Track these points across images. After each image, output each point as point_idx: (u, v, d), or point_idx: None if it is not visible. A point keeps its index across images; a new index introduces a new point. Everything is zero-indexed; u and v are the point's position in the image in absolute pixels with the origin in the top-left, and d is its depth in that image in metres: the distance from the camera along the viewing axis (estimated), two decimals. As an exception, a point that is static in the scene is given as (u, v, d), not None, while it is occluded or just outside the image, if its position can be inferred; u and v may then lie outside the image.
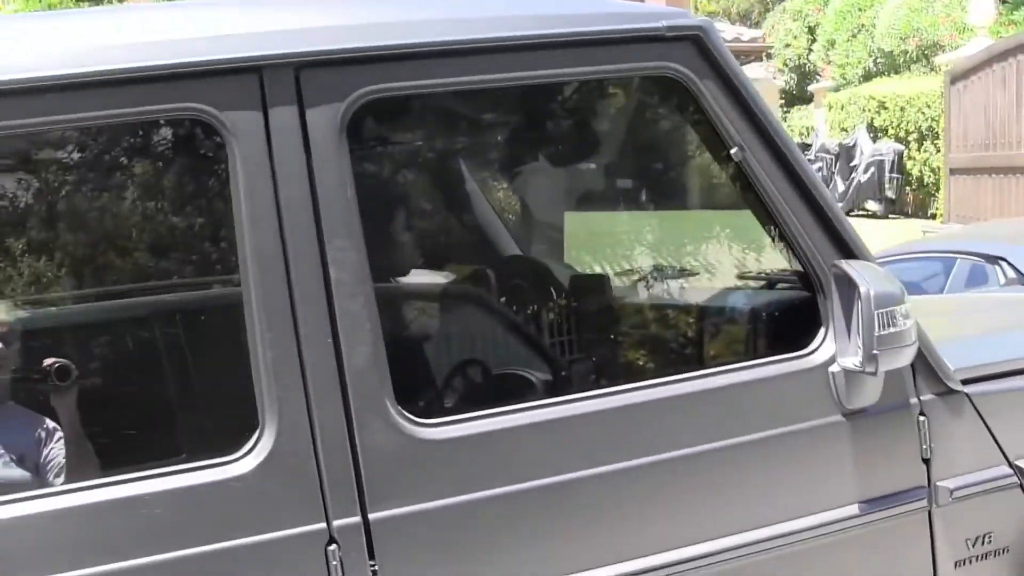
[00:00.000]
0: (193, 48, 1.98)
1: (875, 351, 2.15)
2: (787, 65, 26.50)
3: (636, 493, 2.18)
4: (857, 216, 17.40)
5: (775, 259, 2.45)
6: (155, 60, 1.95)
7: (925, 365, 2.42)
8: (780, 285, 2.50)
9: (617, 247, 2.58)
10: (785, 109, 26.57)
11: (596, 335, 2.57)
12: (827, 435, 2.32)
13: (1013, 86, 12.28)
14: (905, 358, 2.23)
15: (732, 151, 2.24)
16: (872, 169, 18.49)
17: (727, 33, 22.42)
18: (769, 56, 26.85)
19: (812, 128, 24.00)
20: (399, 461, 2.04)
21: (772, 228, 2.34)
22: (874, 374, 2.20)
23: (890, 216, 17.95)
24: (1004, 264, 6.57)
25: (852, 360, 2.22)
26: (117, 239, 2.23)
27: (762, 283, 2.59)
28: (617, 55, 2.20)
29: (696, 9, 32.67)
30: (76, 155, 2.20)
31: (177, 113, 2.01)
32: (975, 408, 2.52)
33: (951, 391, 2.48)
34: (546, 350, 2.53)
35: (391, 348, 2.06)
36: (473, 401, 2.50)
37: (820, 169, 20.22)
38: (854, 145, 19.50)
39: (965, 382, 2.52)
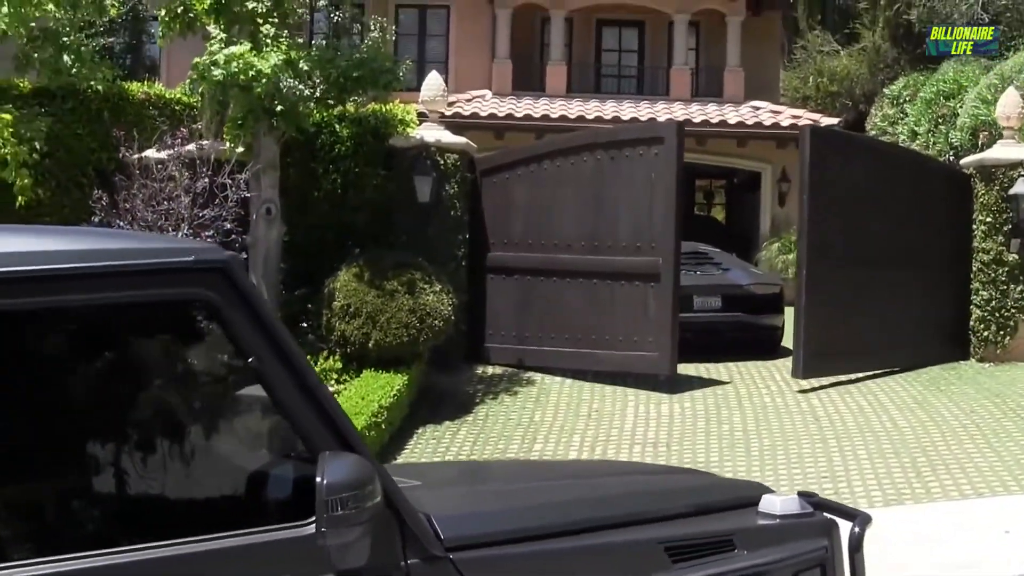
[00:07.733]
0: None
1: (323, 528, 2.57)
2: (884, 151, 26.05)
3: None
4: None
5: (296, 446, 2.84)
6: None
7: (412, 534, 2.83)
8: (299, 469, 2.83)
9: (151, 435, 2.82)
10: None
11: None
12: None
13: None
14: (353, 534, 2.61)
15: (250, 360, 2.67)
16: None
17: (783, 116, 21.83)
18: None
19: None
20: None
21: (286, 422, 2.76)
22: (324, 546, 2.59)
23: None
24: None
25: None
26: None
27: (289, 465, 2.93)
28: (158, 282, 2.61)
29: (818, 89, 32.35)
30: None
31: None
32: (459, 572, 2.90)
33: (436, 557, 2.87)
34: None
35: None
36: None
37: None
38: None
39: (454, 548, 2.91)
